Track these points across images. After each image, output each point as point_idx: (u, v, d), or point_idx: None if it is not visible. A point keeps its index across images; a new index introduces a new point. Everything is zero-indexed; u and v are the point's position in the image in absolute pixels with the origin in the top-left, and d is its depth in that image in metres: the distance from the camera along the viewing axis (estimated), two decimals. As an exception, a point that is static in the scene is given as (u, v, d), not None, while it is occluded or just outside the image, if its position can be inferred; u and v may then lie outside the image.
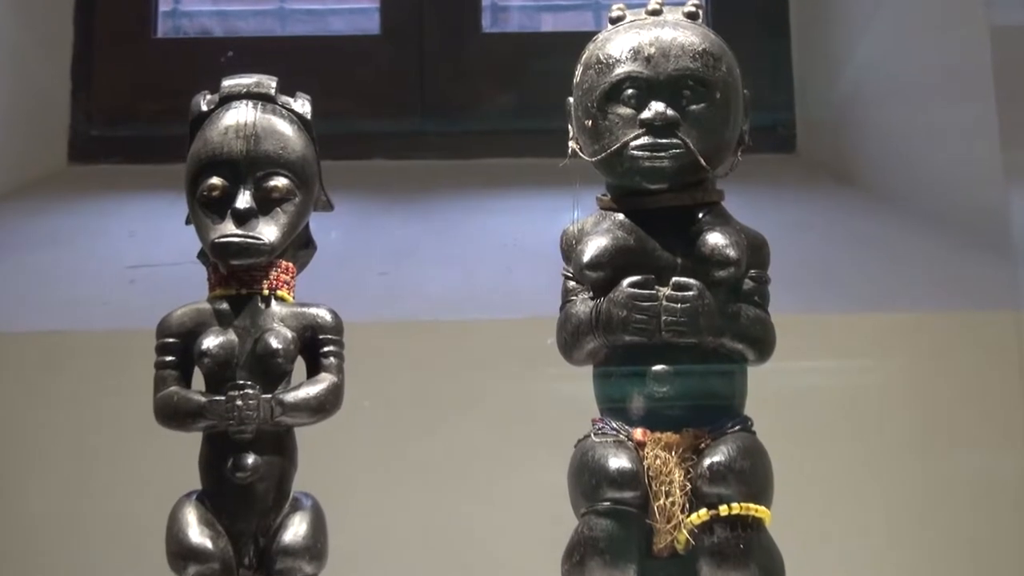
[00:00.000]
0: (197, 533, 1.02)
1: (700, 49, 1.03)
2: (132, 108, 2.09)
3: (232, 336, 1.06)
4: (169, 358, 1.07)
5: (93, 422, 1.53)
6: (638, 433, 0.99)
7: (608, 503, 0.97)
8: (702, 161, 1.01)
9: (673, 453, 0.98)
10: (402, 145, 2.07)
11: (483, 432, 1.52)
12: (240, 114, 1.09)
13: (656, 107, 1.01)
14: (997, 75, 1.56)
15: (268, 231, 1.06)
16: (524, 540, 1.33)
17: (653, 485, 0.97)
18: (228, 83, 1.11)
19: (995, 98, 1.55)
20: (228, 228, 1.05)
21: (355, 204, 1.72)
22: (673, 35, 1.03)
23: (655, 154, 1.01)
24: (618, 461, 0.97)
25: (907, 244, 1.75)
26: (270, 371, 1.05)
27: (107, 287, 1.69)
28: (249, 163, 1.07)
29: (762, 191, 1.74)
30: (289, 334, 1.07)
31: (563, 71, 1.10)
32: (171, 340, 1.08)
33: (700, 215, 1.04)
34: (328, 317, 1.09)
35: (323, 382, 1.06)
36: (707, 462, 0.97)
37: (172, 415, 1.05)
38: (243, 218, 1.05)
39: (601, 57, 1.04)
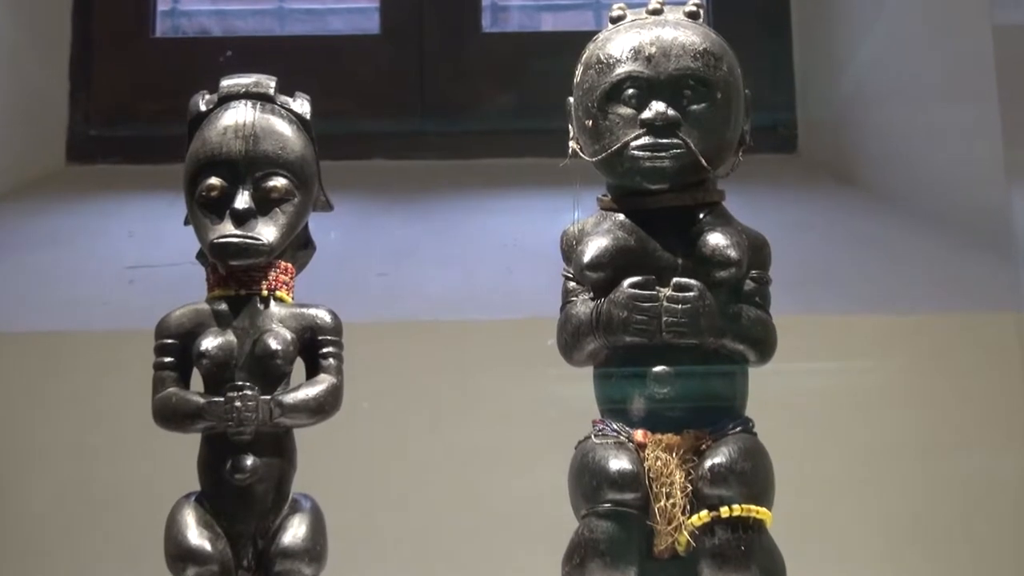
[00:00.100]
0: (196, 535, 1.02)
1: (701, 49, 1.03)
2: (131, 108, 2.08)
3: (231, 337, 1.06)
4: (168, 359, 1.07)
5: (92, 423, 1.52)
6: (639, 434, 0.99)
7: (609, 505, 0.96)
8: (703, 161, 1.01)
9: (674, 454, 0.98)
10: (402, 145, 2.07)
11: (483, 433, 1.52)
12: (239, 114, 1.08)
13: (657, 107, 1.01)
14: (999, 75, 1.55)
15: (267, 231, 1.06)
16: (524, 542, 1.33)
17: (654, 487, 0.97)
18: (227, 83, 1.11)
19: (997, 98, 1.55)
20: (227, 228, 1.05)
21: (354, 204, 1.72)
22: (674, 35, 1.03)
23: (656, 154, 1.01)
24: (619, 462, 0.97)
25: (908, 245, 1.75)
26: (269, 372, 1.05)
27: (106, 287, 1.69)
28: (248, 163, 1.06)
29: (763, 191, 1.74)
30: (288, 335, 1.06)
31: (563, 71, 1.09)
32: (170, 341, 1.07)
33: (701, 215, 1.03)
34: (327, 318, 1.09)
35: (322, 383, 1.06)
36: (708, 463, 0.97)
37: (171, 416, 1.05)
38: (242, 218, 1.05)
39: (602, 57, 1.04)
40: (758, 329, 1.02)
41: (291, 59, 2.08)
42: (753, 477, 0.97)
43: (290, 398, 1.04)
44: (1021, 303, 1.52)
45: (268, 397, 1.03)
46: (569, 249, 1.06)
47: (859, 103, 1.97)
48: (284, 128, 1.09)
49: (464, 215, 1.90)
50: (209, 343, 1.05)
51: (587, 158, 1.05)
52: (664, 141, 1.01)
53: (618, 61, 1.03)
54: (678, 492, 0.96)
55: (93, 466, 1.52)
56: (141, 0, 2.14)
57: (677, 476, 0.97)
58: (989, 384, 1.53)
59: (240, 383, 1.03)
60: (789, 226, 1.68)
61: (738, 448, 0.97)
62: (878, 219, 1.83)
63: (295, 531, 1.04)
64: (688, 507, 0.96)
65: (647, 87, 1.02)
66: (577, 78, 1.07)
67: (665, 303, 0.98)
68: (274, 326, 1.06)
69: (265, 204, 1.07)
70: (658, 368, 0.99)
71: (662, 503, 0.96)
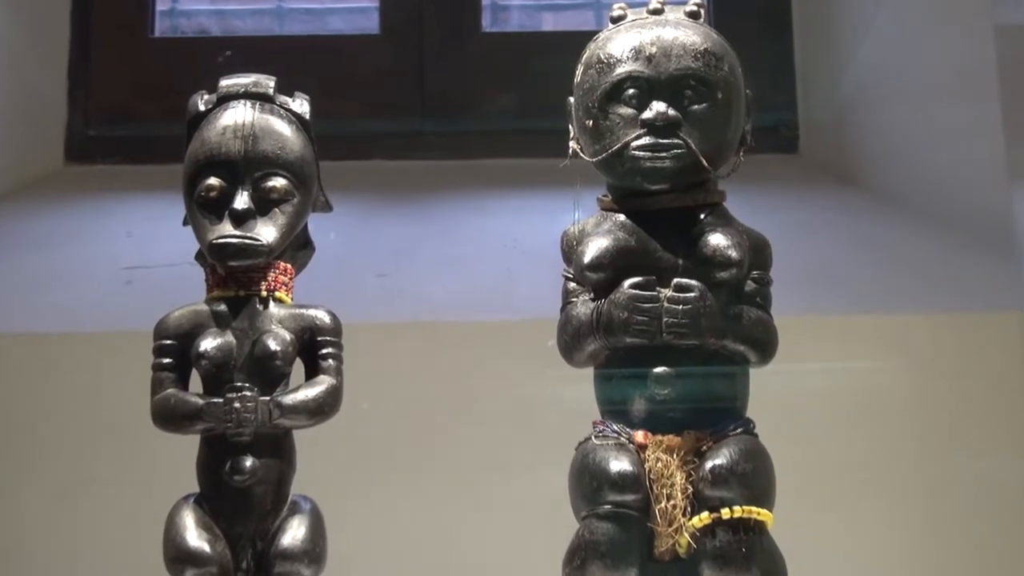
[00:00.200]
0: (195, 537, 1.02)
1: (702, 49, 1.02)
2: (129, 108, 2.08)
3: (230, 338, 1.05)
4: (166, 360, 1.07)
5: (90, 424, 1.52)
6: (639, 436, 0.99)
7: (609, 506, 0.96)
8: (704, 162, 1.01)
9: (675, 456, 0.98)
10: (401, 145, 2.07)
11: (483, 434, 1.51)
12: (238, 114, 1.08)
13: (657, 107, 1.01)
14: (1001, 75, 1.55)
15: (266, 232, 1.05)
16: (524, 543, 1.33)
17: (654, 488, 0.96)
18: (226, 83, 1.11)
19: (999, 98, 1.55)
20: (226, 229, 1.05)
21: (354, 205, 1.71)
22: (675, 34, 1.03)
23: (656, 154, 1.01)
24: (619, 464, 0.97)
25: (910, 245, 1.75)
26: (268, 373, 1.05)
27: (104, 288, 1.69)
28: (247, 163, 1.06)
29: (764, 192, 1.74)
30: (287, 336, 1.06)
31: (563, 71, 1.09)
32: (168, 342, 1.07)
33: (702, 216, 1.03)
34: (327, 319, 1.08)
35: (322, 384, 1.06)
36: (709, 465, 0.96)
37: (169, 417, 1.04)
38: (241, 219, 1.05)
39: (602, 56, 1.04)
40: (759, 330, 1.01)
41: (290, 59, 2.08)
42: (754, 478, 0.96)
43: (289, 399, 1.04)
44: (1023, 303, 1.52)
45: (267, 398, 1.03)
46: (569, 250, 1.06)
47: (861, 103, 1.96)
48: (283, 128, 1.09)
49: (464, 215, 1.90)
50: (208, 344, 1.05)
51: (587, 158, 1.05)
52: (665, 141, 1.00)
53: (619, 61, 1.02)
54: (679, 494, 0.96)
55: (92, 468, 1.52)
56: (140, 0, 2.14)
57: (678, 477, 0.97)
58: (991, 384, 1.53)
59: (239, 384, 1.03)
60: (790, 226, 1.68)
61: (739, 449, 0.97)
62: (880, 219, 1.83)
63: (294, 533, 1.03)
64: (689, 509, 0.96)
65: (648, 87, 1.01)
66: (577, 78, 1.07)
67: (666, 304, 0.98)
68: (273, 327, 1.06)
69: (264, 204, 1.06)
70: (659, 369, 0.99)
71: (663, 505, 0.96)
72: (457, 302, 1.65)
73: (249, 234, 1.05)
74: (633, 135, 1.01)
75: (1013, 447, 1.51)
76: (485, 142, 2.04)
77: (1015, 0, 1.56)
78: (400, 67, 2.11)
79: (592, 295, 1.02)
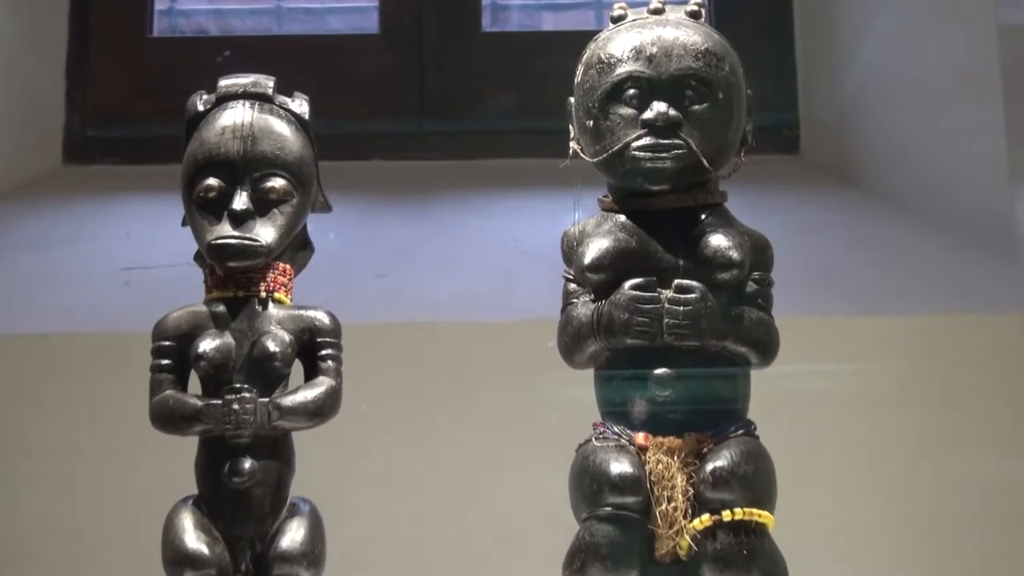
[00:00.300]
0: (194, 539, 1.01)
1: (703, 49, 1.02)
2: (128, 108, 2.08)
3: (229, 339, 1.05)
4: (165, 361, 1.06)
5: (88, 426, 1.52)
6: (640, 437, 0.99)
7: (610, 508, 0.96)
8: (705, 162, 1.00)
9: (675, 458, 0.97)
10: (401, 145, 2.07)
11: (483, 436, 1.51)
12: (237, 114, 1.08)
13: (658, 107, 1.00)
14: (1004, 75, 1.55)
15: (265, 232, 1.05)
16: (524, 545, 1.32)
17: (655, 490, 0.96)
18: (225, 83, 1.10)
19: (1001, 99, 1.55)
20: (225, 229, 1.05)
21: (354, 205, 1.71)
22: (675, 34, 1.03)
23: (657, 155, 1.00)
24: (620, 466, 0.97)
25: (912, 246, 1.75)
26: (267, 374, 1.05)
27: (102, 289, 1.69)
28: (246, 164, 1.06)
29: (765, 192, 1.74)
30: (287, 337, 1.06)
31: (564, 71, 1.09)
32: (167, 343, 1.07)
33: (703, 217, 1.03)
34: (326, 320, 1.08)
35: (321, 385, 1.05)
36: (710, 467, 0.96)
37: (168, 419, 1.04)
38: (240, 219, 1.05)
39: (602, 56, 1.03)
40: (760, 331, 1.01)
41: (290, 59, 2.08)
42: (755, 480, 0.96)
43: (288, 401, 1.03)
44: (1024, 304, 1.52)
45: (266, 400, 1.02)
46: (570, 250, 1.06)
47: (862, 104, 1.96)
48: (282, 128, 1.08)
49: (464, 216, 1.90)
50: (207, 345, 1.04)
51: (588, 159, 1.05)
52: (665, 142, 1.00)
53: (619, 61, 1.02)
54: (679, 496, 0.96)
55: (90, 469, 1.52)
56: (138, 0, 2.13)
57: (679, 479, 0.96)
58: (993, 385, 1.53)
59: (238, 385, 1.02)
60: (792, 227, 1.68)
61: (740, 451, 0.97)
62: (881, 220, 1.83)
63: (293, 535, 1.03)
64: (690, 511, 0.96)
65: (648, 87, 1.01)
66: (578, 78, 1.06)
67: (666, 305, 0.98)
68: (272, 328, 1.06)
69: (263, 205, 1.06)
70: (659, 370, 0.98)
71: (663, 507, 0.96)
72: (457, 302, 1.65)
73: (248, 235, 1.04)
74: (634, 135, 1.01)
75: (1014, 448, 1.51)
76: (485, 142, 2.04)
77: (1017, 0, 1.55)
78: (400, 67, 2.11)
79: (592, 296, 1.02)
